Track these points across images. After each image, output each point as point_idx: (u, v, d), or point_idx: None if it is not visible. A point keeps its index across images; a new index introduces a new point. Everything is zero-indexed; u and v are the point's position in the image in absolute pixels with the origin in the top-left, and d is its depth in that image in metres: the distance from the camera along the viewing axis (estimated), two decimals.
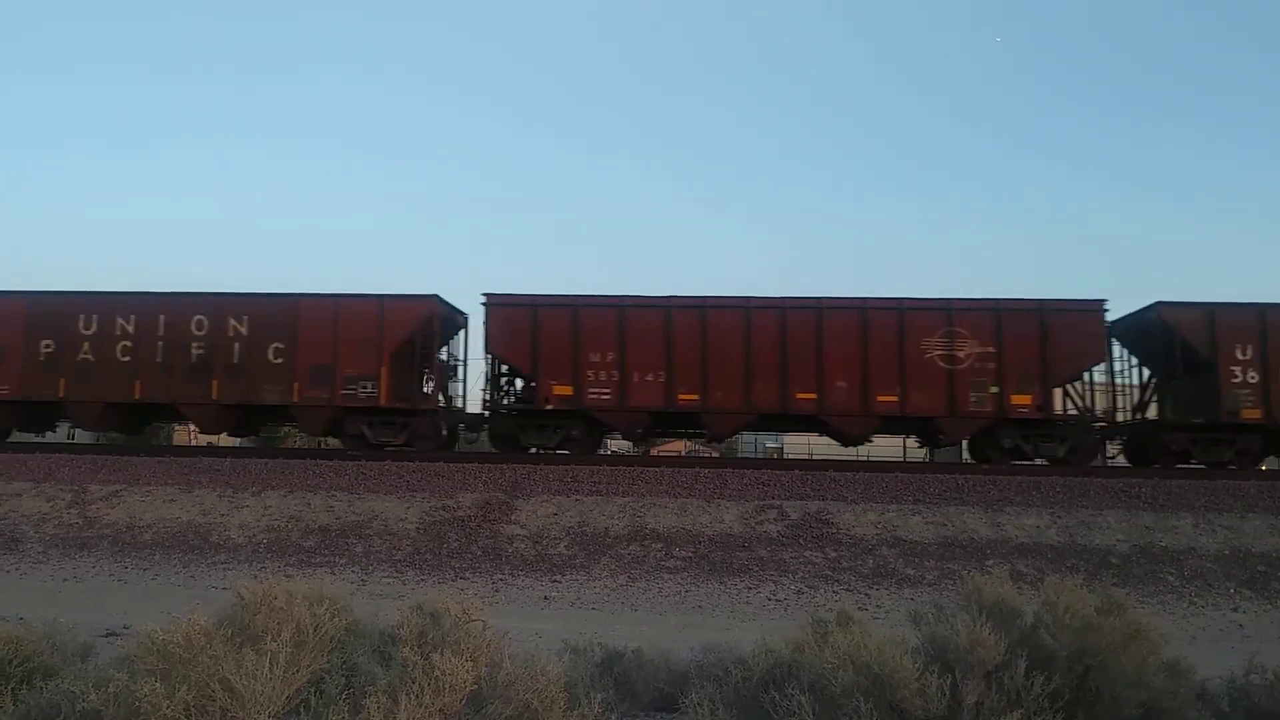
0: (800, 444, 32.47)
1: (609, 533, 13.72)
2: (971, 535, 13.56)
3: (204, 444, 22.59)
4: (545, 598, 11.92)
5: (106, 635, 8.36)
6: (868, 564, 12.87)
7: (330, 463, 16.64)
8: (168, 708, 2.95)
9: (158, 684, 2.99)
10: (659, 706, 6.12)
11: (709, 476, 15.36)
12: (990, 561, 12.74)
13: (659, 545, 13.38)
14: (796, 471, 15.77)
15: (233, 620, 3.60)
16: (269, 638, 3.30)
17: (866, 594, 12.07)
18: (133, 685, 3.01)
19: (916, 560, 12.96)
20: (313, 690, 3.78)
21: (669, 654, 6.52)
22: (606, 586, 12.39)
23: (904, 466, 17.02)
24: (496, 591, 12.10)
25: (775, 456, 31.30)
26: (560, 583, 12.53)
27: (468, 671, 3.80)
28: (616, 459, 17.15)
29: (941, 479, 15.27)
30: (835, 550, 13.18)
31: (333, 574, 12.52)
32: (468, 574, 12.82)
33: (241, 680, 3.08)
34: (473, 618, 4.36)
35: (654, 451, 23.73)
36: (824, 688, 4.72)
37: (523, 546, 13.52)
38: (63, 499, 15.26)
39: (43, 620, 6.13)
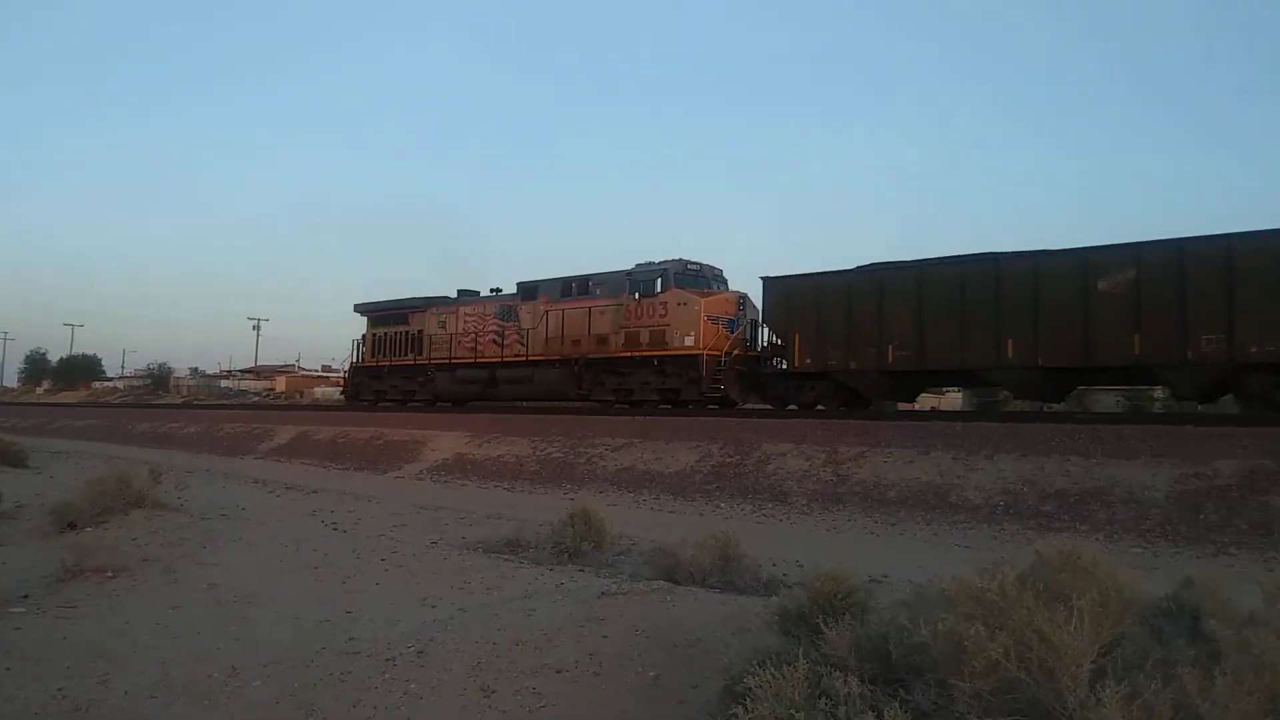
0: None
1: None
2: None
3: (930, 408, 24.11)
4: None
5: (869, 581, 9.24)
6: None
7: (1062, 426, 16.26)
8: (991, 649, 3.18)
9: (981, 628, 3.25)
10: None
11: None
12: None
13: None
14: None
15: (1037, 575, 3.73)
16: (1075, 596, 3.36)
17: None
18: (959, 626, 3.31)
19: None
20: (1106, 656, 3.74)
21: None
22: None
23: None
24: (1270, 571, 10.57)
25: None
26: None
27: None
28: None
29: None
30: None
31: (1074, 539, 12.17)
32: (1231, 550, 11.49)
33: (1056, 633, 3.18)
34: None
35: None
36: None
37: None
38: (818, 458, 17.27)
39: (815, 565, 7.00)
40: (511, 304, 30.38)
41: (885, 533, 13.86)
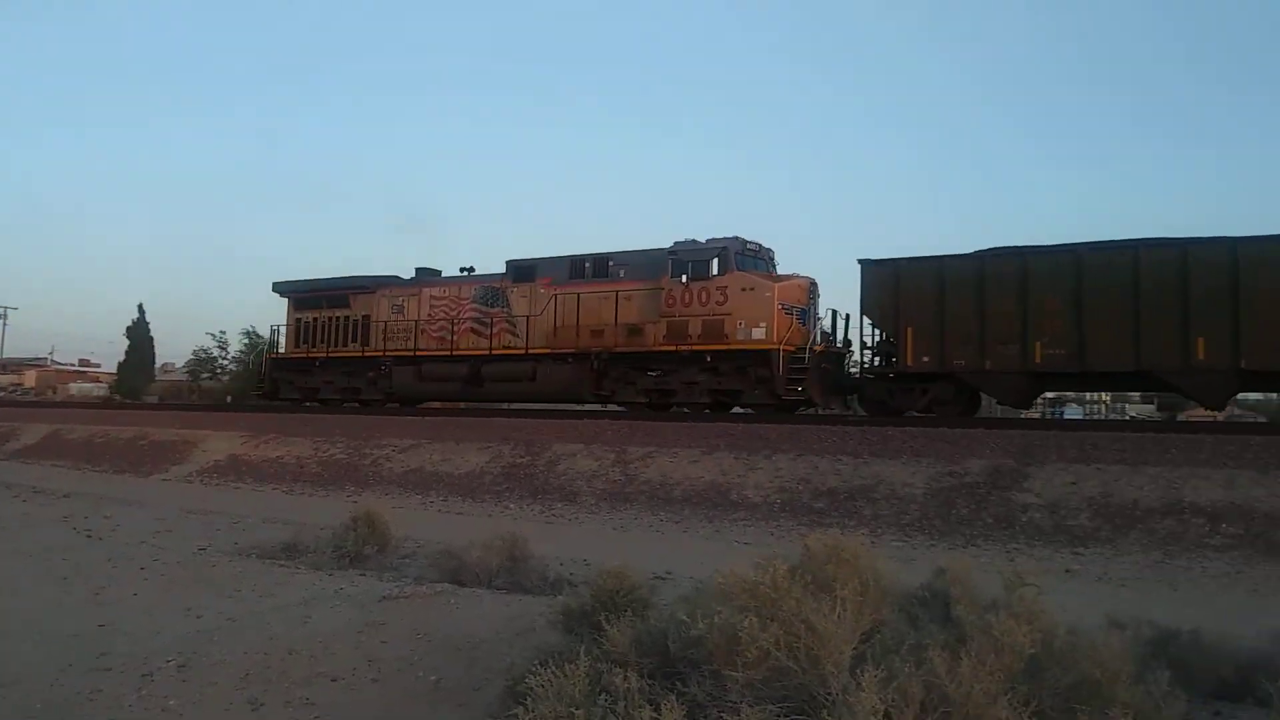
0: None
1: (1138, 505, 12.59)
2: None
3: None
4: (1067, 570, 11.26)
5: (654, 579, 9.47)
6: None
7: (834, 428, 17.23)
8: (763, 640, 3.32)
9: (754, 619, 3.39)
10: (1219, 695, 5.53)
11: (1261, 445, 13.41)
12: None
13: (1200, 520, 12.00)
14: None
15: (804, 568, 3.93)
16: (839, 586, 3.56)
17: None
18: (733, 619, 3.43)
19: None
20: (866, 642, 3.98)
21: (1228, 639, 5.85)
22: (1138, 563, 11.41)
23: None
24: (1011, 561, 11.66)
25: None
26: (1083, 555, 11.78)
27: (1025, 635, 3.77)
28: (1142, 425, 15.64)
29: None
30: None
31: (843, 534, 12.88)
32: (979, 542, 12.55)
33: (822, 621, 3.36)
34: (1026, 582, 4.31)
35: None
36: None
37: (1038, 516, 12.91)
38: (608, 459, 17.52)
39: (602, 564, 7.11)
40: (498, 286, 25.36)
41: (670, 530, 14.23)
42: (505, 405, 26.01)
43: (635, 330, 22.46)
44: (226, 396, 46.27)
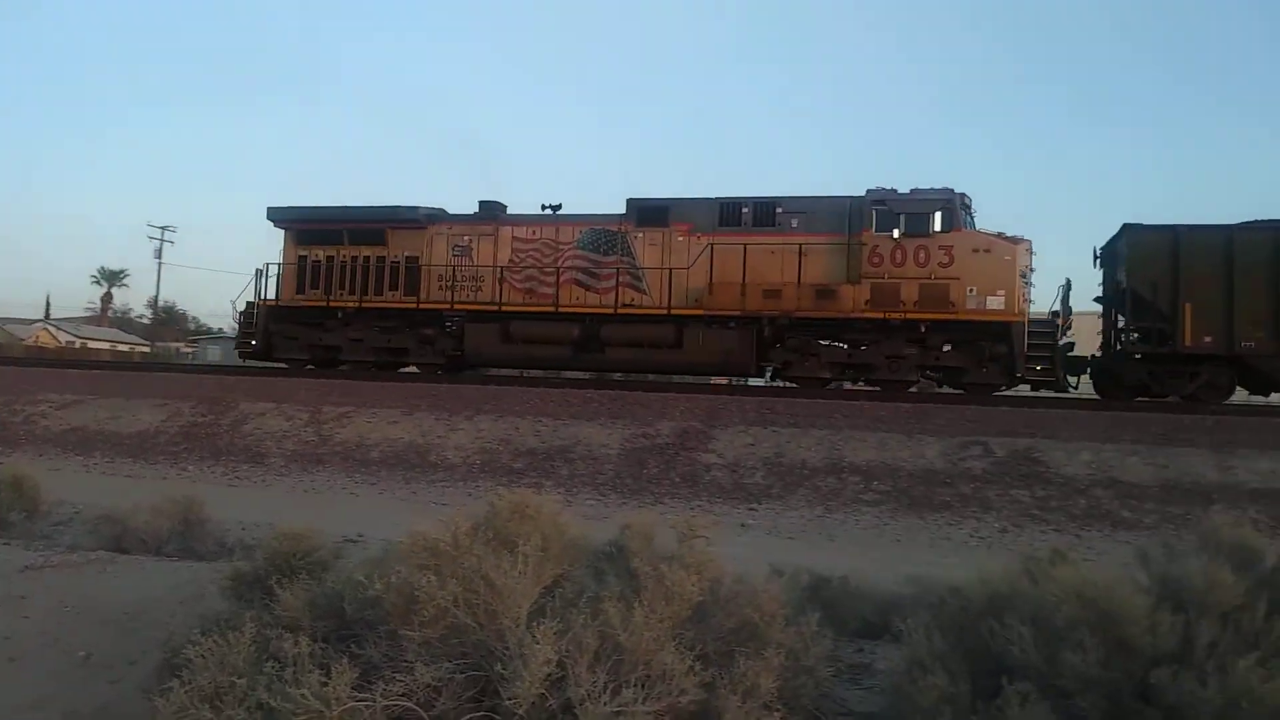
0: None
1: (806, 464, 13.79)
2: (1196, 478, 12.78)
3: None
4: (742, 525, 12.14)
5: (345, 541, 9.19)
6: (1079, 504, 12.39)
7: (536, 389, 17.46)
8: (440, 598, 3.30)
9: (433, 577, 3.36)
10: (862, 634, 6.19)
11: (910, 411, 15.12)
12: (1217, 506, 11.99)
13: (856, 478, 13.35)
14: (1004, 408, 15.25)
15: (488, 525, 3.94)
16: (521, 542, 3.61)
17: (1077, 535, 11.64)
18: (412, 577, 3.38)
19: (1133, 502, 12.37)
20: (548, 596, 4.08)
21: (872, 584, 6.56)
22: (803, 517, 12.50)
23: (1123, 405, 16.16)
24: (694, 516, 12.34)
25: None
26: (757, 511, 12.75)
27: (694, 584, 4.01)
28: (815, 392, 17.11)
29: (1163, 419, 14.42)
30: (1044, 489, 12.75)
31: (540, 494, 13.11)
32: (666, 499, 13.24)
33: (501, 578, 3.39)
34: (697, 534, 4.58)
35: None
36: (1044, 620, 4.67)
37: (720, 475, 13.81)
38: (301, 418, 16.74)
39: (292, 526, 6.81)
40: (616, 229, 20.44)
41: (366, 492, 13.88)
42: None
43: (825, 292, 18.70)
44: None
